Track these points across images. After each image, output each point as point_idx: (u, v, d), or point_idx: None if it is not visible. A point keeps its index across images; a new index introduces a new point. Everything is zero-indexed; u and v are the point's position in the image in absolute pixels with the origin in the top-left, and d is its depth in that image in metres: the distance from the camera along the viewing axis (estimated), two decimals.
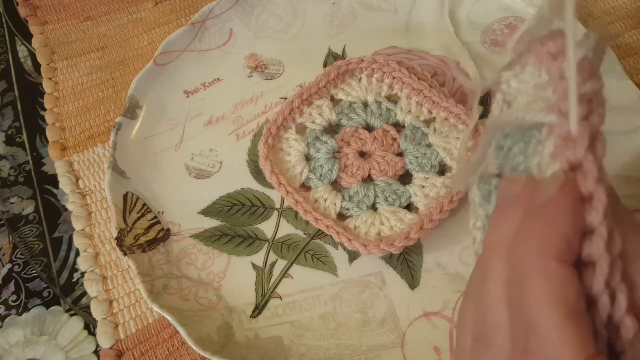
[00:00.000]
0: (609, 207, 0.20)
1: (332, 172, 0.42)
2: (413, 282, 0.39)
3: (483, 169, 0.27)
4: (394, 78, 0.44)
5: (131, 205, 0.42)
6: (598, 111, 0.21)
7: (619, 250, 0.20)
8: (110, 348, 0.38)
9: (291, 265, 0.40)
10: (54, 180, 0.46)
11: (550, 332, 0.19)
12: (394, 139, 0.43)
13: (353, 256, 0.40)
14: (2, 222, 0.45)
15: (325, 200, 0.41)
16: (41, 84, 0.50)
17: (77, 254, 0.42)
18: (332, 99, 0.45)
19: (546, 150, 0.22)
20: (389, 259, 0.40)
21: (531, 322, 0.19)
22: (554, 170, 0.21)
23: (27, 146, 0.48)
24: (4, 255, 0.44)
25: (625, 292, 0.19)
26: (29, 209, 0.45)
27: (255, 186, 0.43)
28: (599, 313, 0.19)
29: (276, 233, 0.41)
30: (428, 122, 0.43)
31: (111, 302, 0.40)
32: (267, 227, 0.42)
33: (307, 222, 0.41)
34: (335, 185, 0.42)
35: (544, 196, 0.21)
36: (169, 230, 0.42)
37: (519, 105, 0.25)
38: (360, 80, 0.45)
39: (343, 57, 0.49)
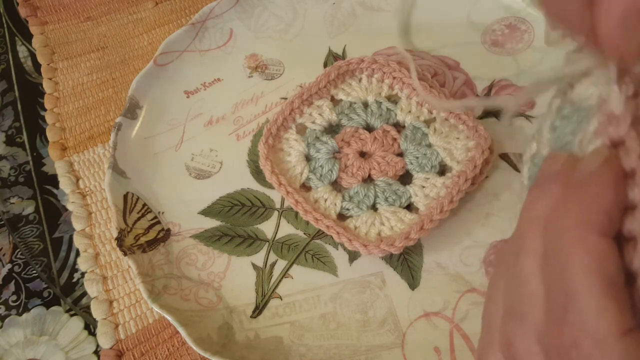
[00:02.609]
0: None
1: (332, 172, 0.42)
2: (413, 282, 0.39)
3: (535, 151, 0.27)
4: (394, 78, 0.44)
5: (131, 205, 0.42)
6: None
7: None
8: (110, 348, 0.38)
9: (291, 265, 0.40)
10: (54, 180, 0.46)
11: (588, 303, 0.19)
12: (394, 139, 0.43)
13: (353, 256, 0.40)
14: (2, 222, 0.45)
15: (325, 200, 0.41)
16: (41, 84, 0.50)
17: (77, 254, 0.42)
18: (332, 99, 0.45)
19: (590, 127, 0.21)
20: (389, 259, 0.40)
21: (569, 293, 0.19)
22: (595, 146, 0.21)
23: (27, 146, 0.48)
24: (4, 255, 0.44)
25: None
26: (29, 209, 0.45)
27: (255, 186, 0.43)
28: (638, 289, 0.19)
29: (276, 233, 0.41)
30: (428, 122, 0.43)
31: (111, 302, 0.40)
32: (267, 227, 0.42)
33: (307, 222, 0.41)
34: (335, 185, 0.42)
35: (586, 171, 0.21)
36: (169, 230, 0.42)
37: (580, 86, 0.25)
38: (360, 80, 0.45)
39: (343, 57, 0.49)
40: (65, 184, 0.45)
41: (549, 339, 0.20)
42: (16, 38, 0.55)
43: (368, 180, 0.42)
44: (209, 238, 0.41)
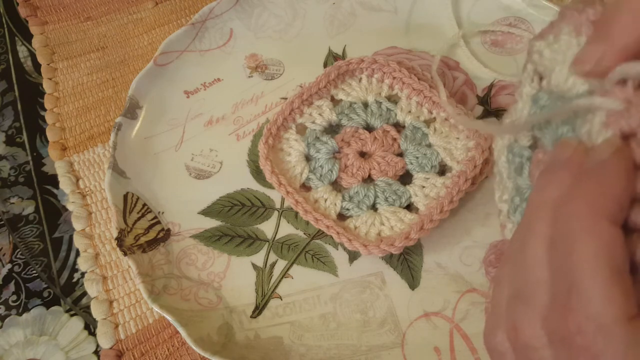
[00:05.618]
0: None
1: (332, 172, 0.42)
2: (413, 282, 0.39)
3: (511, 140, 0.27)
4: (394, 78, 0.44)
5: (131, 205, 0.42)
6: None
7: None
8: (110, 348, 0.38)
9: (291, 265, 0.40)
10: (54, 180, 0.46)
11: (593, 289, 0.19)
12: (394, 139, 0.43)
13: (353, 256, 0.40)
14: (2, 222, 0.45)
15: (325, 200, 0.41)
16: (41, 84, 0.50)
17: (77, 254, 0.42)
18: (332, 99, 0.45)
19: (597, 118, 0.21)
20: (389, 259, 0.40)
21: (575, 279, 0.19)
22: (605, 137, 0.21)
23: (27, 146, 0.48)
24: (4, 255, 0.44)
25: None
26: (29, 209, 0.45)
27: (255, 186, 0.43)
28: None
29: (276, 233, 0.41)
30: (428, 122, 0.43)
31: (111, 302, 0.40)
32: (267, 227, 0.42)
33: (307, 222, 0.41)
34: (335, 185, 0.42)
35: (597, 159, 0.21)
36: (169, 230, 0.42)
37: (558, 75, 0.24)
38: (360, 80, 0.45)
39: (343, 57, 0.49)
40: (65, 184, 0.45)
41: (554, 324, 0.20)
42: (16, 38, 0.55)
43: (368, 180, 0.42)
44: (209, 238, 0.41)
